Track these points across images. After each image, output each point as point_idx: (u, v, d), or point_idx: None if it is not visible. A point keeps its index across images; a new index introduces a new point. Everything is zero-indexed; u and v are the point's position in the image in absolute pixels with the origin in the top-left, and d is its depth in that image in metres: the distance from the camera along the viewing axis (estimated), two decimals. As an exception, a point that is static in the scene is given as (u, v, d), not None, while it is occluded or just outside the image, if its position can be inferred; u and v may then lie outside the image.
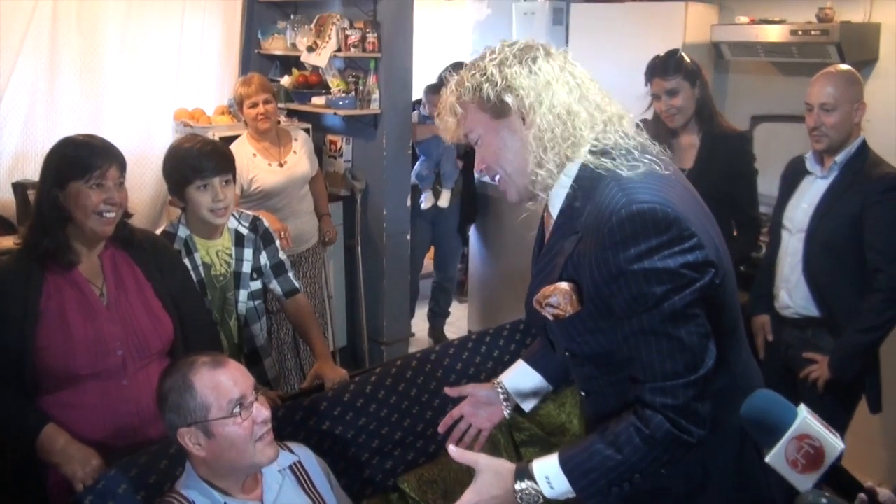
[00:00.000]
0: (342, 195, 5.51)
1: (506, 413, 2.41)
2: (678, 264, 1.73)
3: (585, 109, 1.87)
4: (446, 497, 3.01)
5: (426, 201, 5.81)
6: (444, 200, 5.90)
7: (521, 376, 2.41)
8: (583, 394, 2.09)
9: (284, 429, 2.71)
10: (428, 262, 6.45)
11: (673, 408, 1.76)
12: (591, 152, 1.86)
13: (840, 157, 3.35)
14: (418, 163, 5.71)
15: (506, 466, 1.88)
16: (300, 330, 3.37)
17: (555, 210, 1.95)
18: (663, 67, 3.73)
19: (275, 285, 3.34)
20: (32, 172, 4.54)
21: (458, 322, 6.69)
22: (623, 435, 1.79)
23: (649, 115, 3.93)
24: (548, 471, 1.83)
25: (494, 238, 6.05)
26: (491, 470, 1.87)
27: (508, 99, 1.86)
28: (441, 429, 2.47)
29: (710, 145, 3.73)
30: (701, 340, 1.77)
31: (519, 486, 1.83)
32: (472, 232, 6.39)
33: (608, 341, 1.87)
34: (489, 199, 6.03)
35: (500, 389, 2.40)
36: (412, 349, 5.54)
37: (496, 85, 1.86)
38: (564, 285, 1.87)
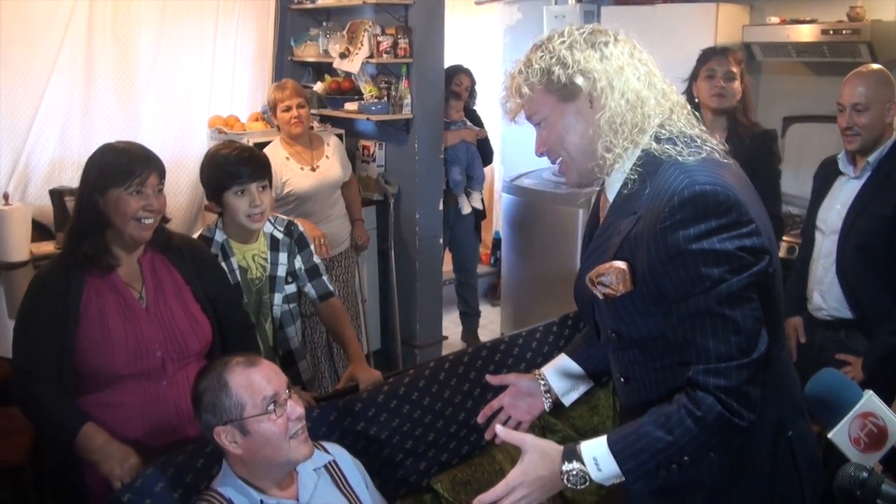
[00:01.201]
0: (375, 199, 5.53)
1: (546, 406, 2.41)
2: (736, 247, 1.73)
3: (654, 96, 1.89)
4: (480, 498, 3.03)
5: (465, 206, 5.84)
6: (478, 202, 5.94)
7: (562, 369, 2.41)
8: (622, 380, 2.07)
9: (319, 429, 2.73)
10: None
11: (725, 390, 1.75)
12: (655, 138, 1.87)
13: (873, 158, 3.34)
14: (452, 169, 5.73)
15: (553, 447, 1.87)
16: (334, 332, 3.39)
17: (612, 193, 1.96)
18: (730, 49, 3.77)
19: (309, 288, 3.36)
20: (69, 179, 4.60)
21: (492, 325, 6.70)
22: (674, 416, 1.78)
23: None
24: (596, 452, 1.82)
25: (526, 241, 6.05)
26: (538, 450, 1.87)
27: (579, 82, 1.85)
28: (480, 419, 2.48)
29: (735, 143, 3.73)
30: (755, 324, 1.77)
31: (566, 466, 1.82)
32: (503, 235, 6.40)
33: (657, 325, 1.87)
34: (519, 203, 6.04)
35: (541, 381, 2.40)
36: (445, 352, 5.56)
37: (567, 68, 1.85)
38: (619, 264, 1.86)
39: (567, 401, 2.43)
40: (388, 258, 5.57)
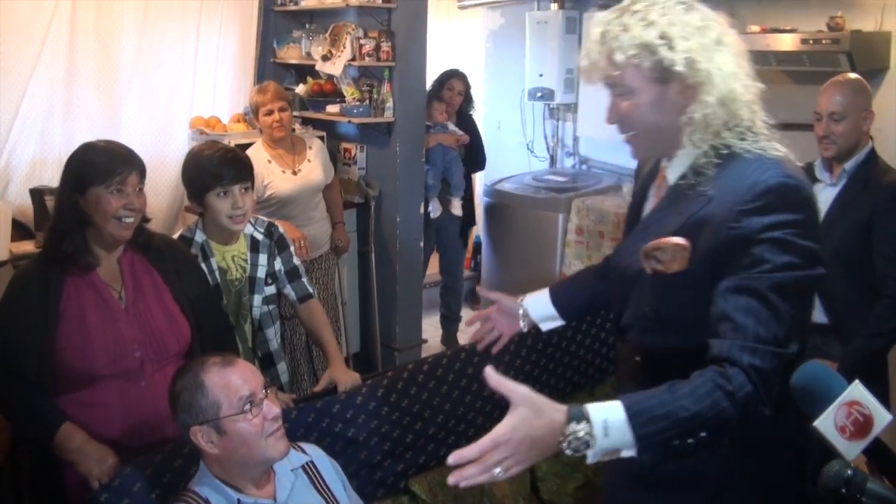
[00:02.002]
0: (356, 202, 5.53)
1: (523, 327, 2.50)
2: (804, 245, 1.74)
3: (746, 91, 1.88)
4: (456, 500, 3.04)
5: (435, 210, 5.84)
6: (457, 208, 5.93)
7: (540, 303, 2.49)
8: (637, 359, 2.03)
9: (297, 430, 2.75)
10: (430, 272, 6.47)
11: (758, 370, 1.69)
12: (739, 135, 1.86)
13: (849, 165, 3.38)
14: (425, 173, 5.73)
15: (550, 405, 1.64)
16: (313, 334, 3.39)
17: (674, 174, 1.96)
18: None
19: (289, 290, 3.37)
20: (50, 179, 4.59)
21: (471, 329, 6.65)
22: (702, 388, 1.67)
23: None
24: (607, 414, 1.64)
25: (505, 246, 6.08)
26: (532, 406, 1.63)
27: (679, 70, 1.81)
28: (468, 321, 2.58)
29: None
30: (794, 324, 1.74)
31: (572, 427, 1.61)
32: (483, 240, 6.42)
33: (698, 309, 1.83)
34: (500, 207, 6.06)
35: (521, 307, 2.50)
36: (424, 355, 5.57)
37: (670, 51, 1.80)
38: (680, 240, 1.85)
39: (544, 327, 2.52)
40: (369, 261, 5.57)
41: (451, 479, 1.61)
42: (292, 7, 5.64)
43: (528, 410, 1.62)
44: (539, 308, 2.49)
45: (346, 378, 3.04)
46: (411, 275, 5.59)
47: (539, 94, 6.26)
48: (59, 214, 2.58)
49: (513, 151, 7.05)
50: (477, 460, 1.59)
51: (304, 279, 3.40)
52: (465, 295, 7.23)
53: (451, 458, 1.60)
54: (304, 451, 2.48)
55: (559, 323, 2.50)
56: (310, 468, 2.45)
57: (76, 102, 4.83)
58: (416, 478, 3.06)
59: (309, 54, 5.56)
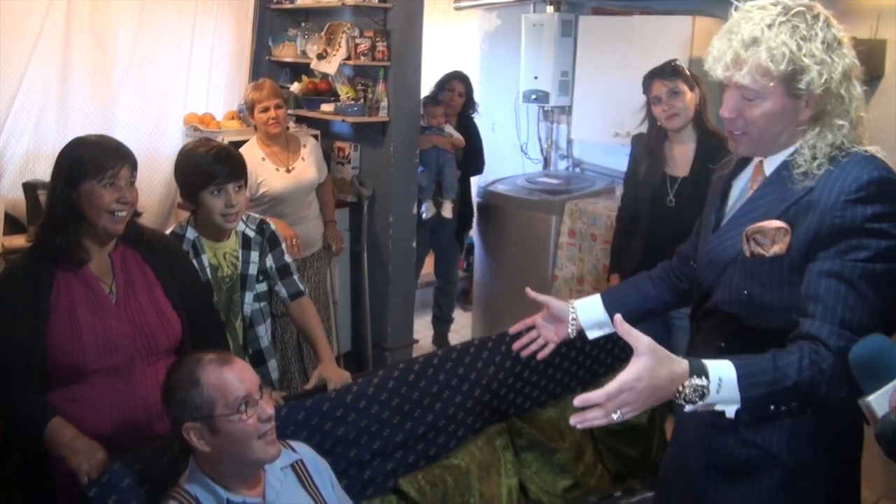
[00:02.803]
0: (349, 201, 5.53)
1: (571, 332, 2.47)
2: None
3: (861, 108, 1.96)
4: (445, 499, 3.05)
5: (427, 212, 5.84)
6: (447, 211, 5.91)
7: (591, 307, 2.48)
8: (722, 345, 2.12)
9: (287, 428, 2.74)
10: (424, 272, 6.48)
11: (844, 355, 1.76)
12: (846, 136, 1.94)
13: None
14: (418, 173, 5.73)
15: (668, 355, 1.76)
16: (304, 332, 3.39)
17: (772, 165, 2.04)
18: (663, 70, 3.80)
19: (280, 287, 3.37)
20: (43, 173, 4.58)
21: (463, 330, 6.72)
22: (803, 361, 1.80)
23: (643, 129, 4.00)
24: (722, 373, 1.77)
25: (498, 247, 6.08)
26: (654, 356, 1.73)
27: (817, 93, 1.88)
28: (512, 330, 2.55)
29: (704, 154, 3.77)
30: (880, 312, 1.84)
31: (693, 380, 1.75)
32: (476, 241, 6.43)
33: (790, 296, 1.94)
34: (493, 209, 6.06)
35: (571, 309, 2.46)
36: (415, 355, 5.57)
37: (818, 74, 1.85)
38: (782, 224, 1.94)
39: (591, 335, 2.49)
40: (361, 260, 5.57)
41: (574, 420, 1.73)
42: (288, 5, 5.64)
43: (652, 360, 1.73)
44: (589, 313, 2.47)
45: (337, 376, 3.04)
46: (403, 275, 5.59)
47: (533, 97, 6.26)
48: (51, 210, 2.57)
49: (507, 153, 7.06)
50: (601, 405, 1.70)
51: (296, 276, 3.40)
52: (458, 296, 7.25)
53: (577, 401, 1.71)
54: (293, 450, 2.49)
55: (608, 331, 2.48)
56: (299, 467, 2.46)
57: (70, 97, 4.82)
58: (406, 477, 3.07)
59: (304, 53, 5.56)
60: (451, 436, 3.25)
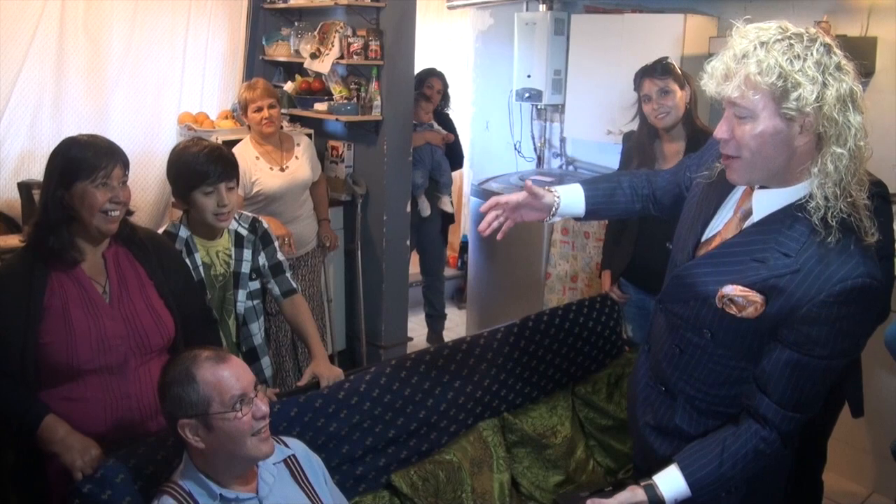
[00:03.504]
0: (343, 200, 5.56)
1: (548, 219, 2.52)
2: (861, 333, 2.01)
3: (864, 161, 1.92)
4: (437, 495, 3.07)
5: (424, 209, 5.86)
6: (447, 205, 5.96)
7: (573, 203, 2.52)
8: (678, 350, 2.25)
9: (279, 424, 2.76)
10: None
11: (787, 435, 2.07)
12: (846, 204, 1.90)
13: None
14: (413, 171, 5.75)
15: (632, 496, 2.15)
16: (297, 329, 3.41)
17: (763, 209, 2.04)
18: (654, 69, 3.82)
19: (272, 285, 3.39)
20: (38, 172, 4.58)
21: (458, 328, 6.74)
22: (749, 453, 2.09)
23: (634, 126, 4.01)
24: (677, 492, 2.13)
25: (493, 245, 6.09)
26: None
27: (809, 111, 1.83)
28: (482, 208, 2.53)
29: (694, 151, 3.78)
30: (823, 394, 2.08)
31: (643, 494, 2.13)
32: (470, 239, 6.45)
33: (752, 347, 2.09)
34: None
35: (556, 204, 2.49)
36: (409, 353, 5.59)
37: (809, 91, 1.81)
38: (759, 298, 1.99)
39: (552, 219, 2.53)
40: (355, 259, 5.59)
41: None
42: (281, 5, 5.65)
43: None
44: (568, 209, 2.52)
45: (329, 373, 3.06)
46: (397, 273, 5.61)
47: (527, 95, 6.28)
48: (44, 210, 2.57)
49: (500, 151, 7.07)
50: None
51: (288, 274, 3.41)
52: (451, 294, 7.27)
53: None
54: (286, 445, 2.50)
55: (571, 216, 2.55)
56: (291, 462, 2.48)
57: (65, 97, 4.83)
58: (398, 472, 3.09)
59: (297, 52, 5.58)
60: (443, 432, 3.27)
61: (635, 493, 2.13)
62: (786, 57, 1.82)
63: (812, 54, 1.82)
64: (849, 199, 1.89)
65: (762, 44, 1.86)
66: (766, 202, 2.02)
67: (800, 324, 1.94)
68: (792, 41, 1.84)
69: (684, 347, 2.22)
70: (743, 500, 2.26)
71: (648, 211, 2.59)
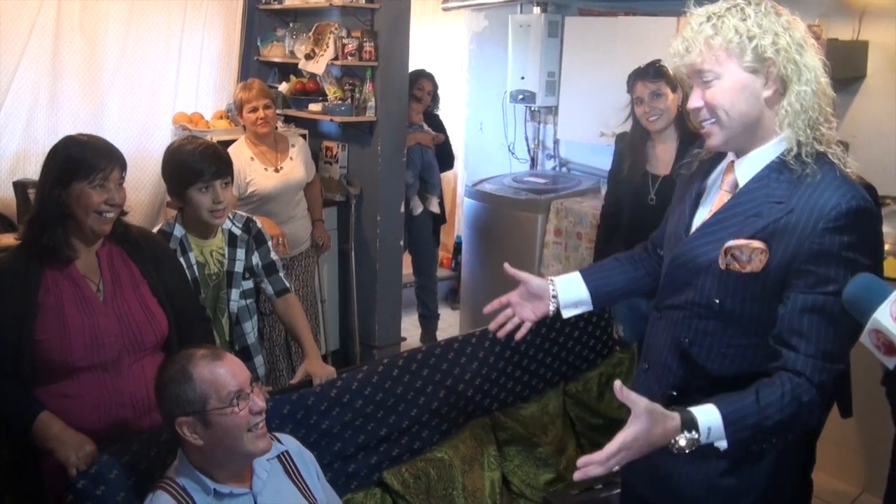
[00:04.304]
0: (337, 200, 5.57)
1: (551, 309, 2.48)
2: (867, 262, 1.93)
3: (828, 99, 2.01)
4: (429, 492, 3.09)
5: (416, 208, 5.88)
6: (434, 206, 5.97)
7: (572, 284, 2.50)
8: (686, 341, 2.19)
9: (272, 421, 2.78)
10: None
11: (823, 387, 1.93)
12: (818, 139, 1.99)
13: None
14: (405, 172, 5.77)
15: (663, 414, 1.90)
16: (290, 328, 3.42)
17: (746, 174, 2.08)
18: (646, 71, 3.85)
19: (266, 285, 3.40)
20: (33, 172, 4.60)
21: (451, 329, 6.74)
22: (786, 398, 1.93)
23: (627, 128, 4.04)
24: (710, 422, 1.91)
25: (486, 246, 6.12)
26: (650, 417, 1.87)
27: (769, 55, 1.93)
28: (487, 310, 2.56)
29: (685, 153, 3.80)
30: (849, 335, 1.91)
31: (685, 435, 1.90)
32: (464, 240, 6.46)
33: (763, 309, 2.03)
34: (480, 208, 6.10)
35: (552, 286, 2.47)
36: (402, 353, 5.61)
37: (762, 39, 1.92)
38: (760, 244, 2.00)
39: (566, 314, 2.50)
40: (349, 259, 5.60)
41: (576, 476, 1.89)
42: (276, 6, 5.67)
43: (649, 421, 1.86)
44: (569, 290, 2.49)
45: (322, 371, 3.08)
46: (391, 273, 5.63)
47: (521, 97, 6.31)
48: (39, 208, 2.58)
49: (494, 153, 7.10)
50: (601, 463, 1.87)
51: (282, 274, 3.43)
52: (445, 294, 7.29)
53: (581, 462, 1.88)
54: (279, 441, 2.52)
55: (584, 309, 2.52)
56: (285, 458, 2.50)
57: (60, 97, 4.84)
58: (390, 470, 3.12)
59: (292, 53, 5.59)
60: (434, 430, 3.30)
61: (667, 416, 1.91)
62: (738, 17, 1.95)
63: (761, 11, 1.95)
64: (819, 133, 1.99)
65: (714, 14, 1.99)
66: (749, 166, 2.08)
67: (806, 264, 1.93)
68: (741, 6, 1.97)
69: (693, 339, 2.18)
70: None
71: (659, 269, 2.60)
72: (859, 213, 1.91)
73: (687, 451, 1.91)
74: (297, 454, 2.55)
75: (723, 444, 1.93)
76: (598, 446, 3.64)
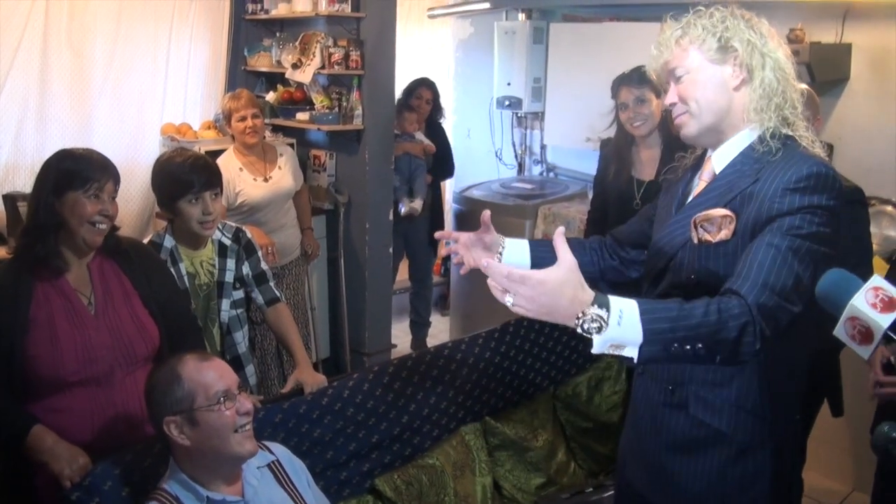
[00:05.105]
0: (325, 209, 5.59)
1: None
2: (827, 230, 1.96)
3: (793, 86, 2.11)
4: (421, 498, 3.11)
5: (405, 206, 5.89)
6: (418, 206, 5.94)
7: (518, 249, 2.53)
8: None
9: (264, 430, 2.80)
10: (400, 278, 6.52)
11: (760, 307, 1.84)
12: (786, 121, 2.10)
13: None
14: (393, 179, 5.79)
15: (581, 281, 1.76)
16: (280, 338, 3.44)
17: (721, 163, 2.16)
18: (630, 77, 3.88)
19: (256, 294, 3.42)
20: (22, 185, 4.61)
21: (441, 335, 6.75)
22: (710, 307, 1.82)
23: (611, 133, 4.07)
24: (623, 305, 1.78)
25: (474, 252, 6.13)
26: (570, 274, 1.75)
27: (736, 45, 2.06)
28: (437, 235, 2.63)
29: (669, 158, 3.84)
30: (800, 284, 1.90)
31: (594, 309, 1.75)
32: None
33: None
34: (469, 214, 6.11)
35: (501, 245, 2.51)
36: (393, 360, 5.62)
37: (724, 32, 2.06)
38: (727, 211, 2.07)
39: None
40: (338, 267, 5.62)
41: (483, 263, 1.83)
42: (263, 16, 5.68)
43: (565, 275, 1.75)
44: (514, 253, 2.51)
45: (313, 380, 3.10)
46: (380, 280, 5.65)
47: (507, 103, 6.33)
48: (34, 216, 2.59)
49: (481, 159, 7.12)
50: (501, 278, 1.78)
51: (272, 283, 3.45)
52: (436, 301, 7.30)
53: (484, 261, 1.83)
54: (269, 451, 2.54)
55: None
56: (275, 466, 2.51)
57: (49, 109, 4.84)
58: (381, 477, 3.12)
59: (279, 62, 5.61)
60: (426, 436, 3.31)
61: (583, 286, 1.78)
62: (705, 18, 2.10)
63: (727, 12, 2.09)
64: (784, 117, 2.09)
65: (685, 21, 2.13)
66: (723, 155, 2.17)
67: (768, 223, 1.97)
68: (711, 11, 2.10)
69: None
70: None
71: (608, 261, 2.61)
72: (821, 177, 1.97)
73: (592, 335, 1.76)
74: (288, 462, 2.56)
75: (637, 339, 1.78)
76: (589, 450, 3.71)
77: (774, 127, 2.08)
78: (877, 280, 1.71)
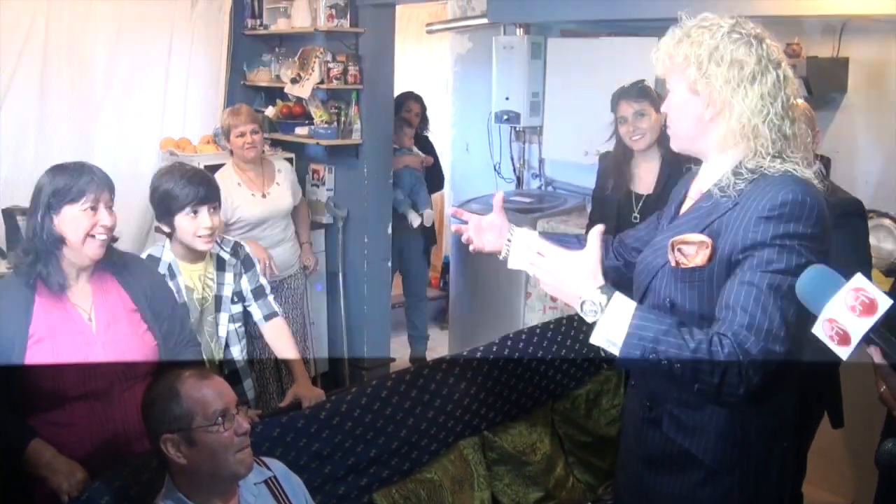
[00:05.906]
0: (324, 223, 5.60)
1: (502, 254, 2.60)
2: (808, 258, 1.90)
3: (771, 128, 2.02)
4: (419, 512, 3.11)
5: (414, 220, 5.88)
6: (428, 219, 5.97)
7: (526, 238, 2.53)
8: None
9: (262, 444, 2.79)
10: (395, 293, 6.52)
11: (745, 353, 1.86)
12: (770, 156, 2.03)
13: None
14: (395, 191, 5.81)
15: (597, 271, 1.97)
16: (278, 352, 3.45)
17: (706, 182, 2.14)
18: (630, 91, 3.88)
19: (254, 308, 3.43)
20: (22, 199, 4.58)
21: (440, 349, 6.74)
22: (700, 336, 1.89)
23: (610, 147, 4.07)
24: (623, 303, 1.94)
25: (473, 265, 6.13)
26: (590, 260, 1.97)
27: (700, 90, 2.03)
28: (453, 213, 2.82)
29: (668, 172, 3.85)
30: (782, 322, 1.89)
31: (599, 292, 1.94)
32: (451, 260, 6.48)
33: (710, 305, 2.02)
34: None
35: (510, 235, 2.57)
36: (392, 373, 5.62)
37: (699, 72, 2.02)
38: (703, 237, 2.04)
39: (511, 265, 2.59)
40: (337, 281, 5.62)
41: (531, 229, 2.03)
42: (262, 31, 5.71)
43: (588, 261, 1.98)
44: (523, 242, 2.53)
45: (311, 394, 3.10)
46: (379, 294, 5.65)
47: (505, 117, 6.34)
48: (31, 235, 2.59)
49: (480, 173, 7.13)
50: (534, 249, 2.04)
51: (270, 297, 3.46)
52: (434, 315, 7.30)
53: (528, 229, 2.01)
54: (266, 467, 2.53)
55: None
56: (272, 483, 2.50)
57: (49, 124, 4.86)
58: (380, 491, 3.12)
59: (278, 77, 5.63)
60: (424, 450, 3.30)
61: (599, 270, 1.99)
62: (689, 43, 2.04)
63: (714, 40, 2.01)
64: (769, 148, 2.02)
65: (682, 31, 2.07)
66: (710, 173, 2.15)
67: (743, 253, 1.95)
68: (710, 26, 2.04)
69: None
70: None
71: (613, 261, 2.63)
72: (795, 204, 1.93)
73: (588, 318, 1.95)
74: (285, 479, 2.56)
75: (622, 336, 1.91)
76: (588, 464, 3.70)
77: (761, 155, 2.03)
78: (859, 280, 1.69)
